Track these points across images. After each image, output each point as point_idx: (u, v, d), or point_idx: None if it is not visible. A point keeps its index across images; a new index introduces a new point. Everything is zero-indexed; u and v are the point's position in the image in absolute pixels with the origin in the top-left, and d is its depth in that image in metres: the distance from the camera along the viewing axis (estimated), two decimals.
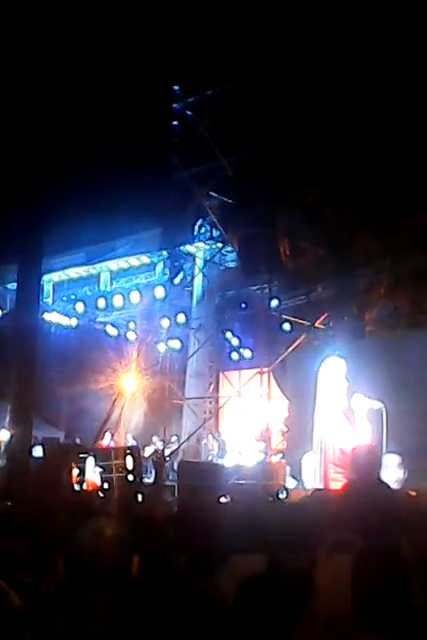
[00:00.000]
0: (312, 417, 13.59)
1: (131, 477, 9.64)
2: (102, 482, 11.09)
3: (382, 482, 5.29)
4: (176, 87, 15.14)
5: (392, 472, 11.69)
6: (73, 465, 10.63)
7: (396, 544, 2.74)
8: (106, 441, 16.80)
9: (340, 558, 2.62)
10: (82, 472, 11.29)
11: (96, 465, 11.63)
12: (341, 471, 13.22)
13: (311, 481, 13.17)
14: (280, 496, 11.04)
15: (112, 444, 16.59)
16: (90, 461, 11.74)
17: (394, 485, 11.30)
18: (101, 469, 11.39)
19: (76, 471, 10.98)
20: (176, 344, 17.07)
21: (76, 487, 8.73)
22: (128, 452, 10.93)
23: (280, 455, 14.64)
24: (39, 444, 13.48)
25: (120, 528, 2.43)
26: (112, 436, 16.86)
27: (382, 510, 4.50)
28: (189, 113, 15.14)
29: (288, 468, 13.77)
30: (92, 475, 11.60)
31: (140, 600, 2.48)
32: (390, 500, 4.87)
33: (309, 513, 4.85)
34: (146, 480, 15.53)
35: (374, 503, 4.62)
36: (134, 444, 16.79)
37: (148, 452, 16.77)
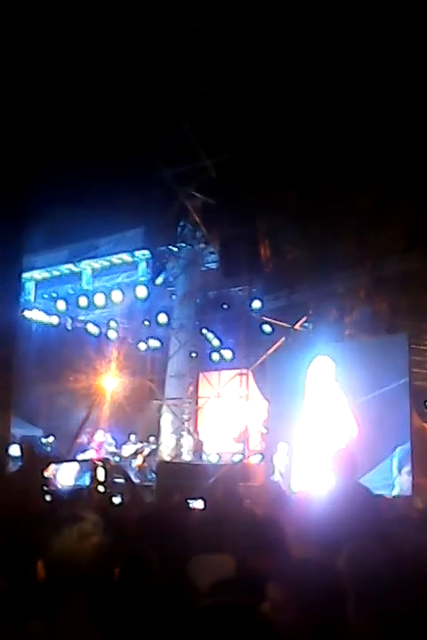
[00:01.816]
0: (292, 417, 13.71)
1: (101, 489, 9.69)
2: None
3: (361, 486, 5.38)
4: (161, 87, 15.16)
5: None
6: (44, 472, 10.56)
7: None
8: (84, 440, 16.80)
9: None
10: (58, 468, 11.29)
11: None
12: (313, 468, 13.39)
13: (287, 480, 13.32)
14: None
15: (90, 442, 16.61)
16: (72, 465, 11.74)
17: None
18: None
19: (51, 466, 10.95)
20: (156, 344, 17.11)
21: (48, 497, 8.71)
22: (99, 463, 10.97)
23: (259, 456, 14.71)
24: (17, 443, 13.43)
25: (96, 530, 2.46)
26: (91, 434, 16.85)
27: (360, 514, 4.57)
28: (173, 113, 15.16)
29: (266, 469, 13.88)
30: (70, 476, 11.61)
31: (115, 599, 2.52)
32: (368, 504, 4.94)
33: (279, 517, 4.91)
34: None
35: (351, 507, 4.69)
36: (113, 443, 16.81)
37: (126, 451, 16.79)
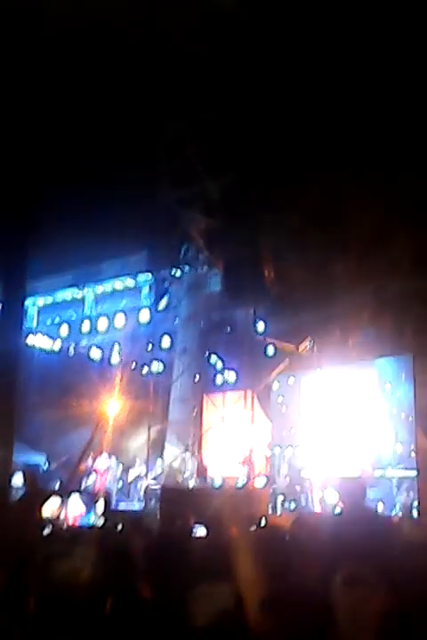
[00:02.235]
0: (295, 439, 13.68)
1: (101, 522, 9.64)
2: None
3: (368, 509, 5.31)
4: (163, 111, 15.23)
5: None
6: (43, 504, 10.44)
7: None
8: (88, 465, 16.67)
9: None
10: (64, 505, 11.15)
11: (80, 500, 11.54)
12: (313, 490, 13.32)
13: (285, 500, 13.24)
14: (262, 523, 10.97)
15: (95, 467, 16.49)
16: (75, 497, 11.61)
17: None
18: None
19: (57, 503, 10.83)
20: (160, 367, 17.05)
21: (47, 530, 8.60)
22: (101, 496, 10.92)
23: (264, 479, 14.58)
24: (20, 471, 13.33)
25: (87, 565, 2.40)
26: (94, 459, 16.73)
27: (368, 537, 4.49)
28: (175, 137, 15.21)
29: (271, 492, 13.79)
30: (76, 510, 11.47)
31: (106, 633, 2.45)
32: (376, 527, 4.85)
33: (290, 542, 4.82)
34: (129, 505, 15.44)
35: (360, 530, 4.61)
36: (119, 468, 16.69)
37: (132, 475, 16.66)
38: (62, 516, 10.45)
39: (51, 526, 7.75)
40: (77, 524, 11.00)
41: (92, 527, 9.26)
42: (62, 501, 10.37)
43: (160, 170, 15.29)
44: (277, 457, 14.21)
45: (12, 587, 3.19)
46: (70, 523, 11.05)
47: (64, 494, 10.88)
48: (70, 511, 11.29)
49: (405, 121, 12.53)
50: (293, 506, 13.37)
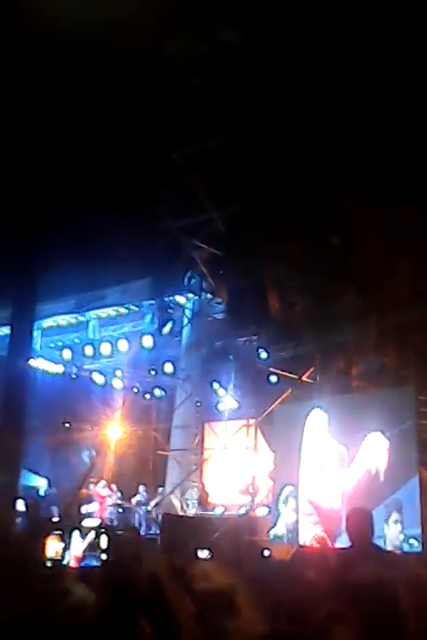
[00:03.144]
0: (297, 470, 13.61)
1: (104, 557, 9.58)
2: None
3: (375, 546, 5.28)
4: (168, 140, 15.39)
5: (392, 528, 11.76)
6: (46, 540, 10.35)
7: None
8: (89, 490, 16.62)
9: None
10: (67, 546, 11.07)
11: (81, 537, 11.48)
12: (315, 522, 13.24)
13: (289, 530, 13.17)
14: (265, 554, 10.91)
15: (96, 492, 16.43)
16: (76, 535, 11.54)
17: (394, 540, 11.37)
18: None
19: (60, 545, 10.76)
20: (161, 393, 17.05)
21: (49, 563, 8.51)
22: (103, 531, 10.84)
23: (266, 509, 14.51)
24: (22, 498, 13.29)
25: (86, 603, 2.40)
26: (95, 485, 16.67)
27: (376, 576, 4.48)
28: (180, 166, 15.36)
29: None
30: (78, 549, 11.41)
31: None
32: (384, 564, 4.83)
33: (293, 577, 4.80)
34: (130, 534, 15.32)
35: (368, 568, 4.59)
36: (119, 494, 16.62)
37: (133, 502, 16.60)
38: (66, 557, 10.39)
39: (53, 565, 7.72)
40: (79, 563, 10.94)
41: (93, 568, 9.20)
42: (64, 539, 10.31)
43: (165, 198, 15.42)
44: (278, 487, 14.14)
45: (13, 622, 3.15)
46: (72, 563, 10.99)
47: (65, 530, 10.80)
48: (72, 550, 11.22)
49: (407, 152, 12.66)
50: (294, 537, 13.28)
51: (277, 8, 11.74)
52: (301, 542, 13.02)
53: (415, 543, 11.87)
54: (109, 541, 9.00)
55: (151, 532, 14.86)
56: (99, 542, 10.25)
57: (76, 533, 11.55)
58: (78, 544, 11.48)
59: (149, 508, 16.00)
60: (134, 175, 15.12)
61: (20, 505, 12.70)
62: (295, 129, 13.42)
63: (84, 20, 10.60)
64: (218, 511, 15.36)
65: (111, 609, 3.03)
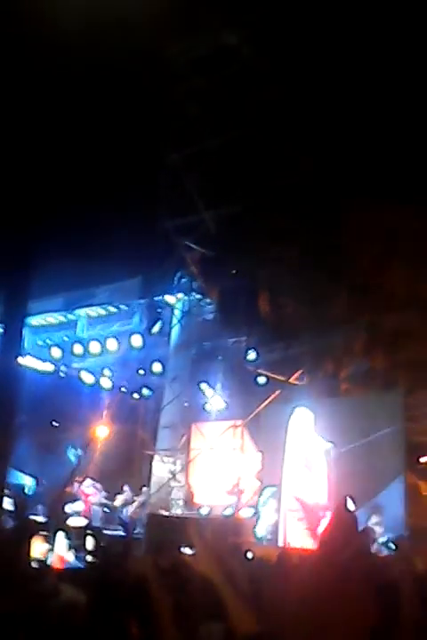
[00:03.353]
0: (282, 468, 13.64)
1: (90, 559, 9.53)
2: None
3: (361, 548, 5.26)
4: (162, 140, 15.37)
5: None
6: (32, 540, 10.24)
7: None
8: (75, 489, 16.54)
9: None
10: (52, 547, 10.99)
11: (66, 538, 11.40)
12: (299, 519, 13.26)
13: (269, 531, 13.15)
14: (248, 556, 10.88)
15: (81, 491, 16.36)
16: (60, 536, 11.46)
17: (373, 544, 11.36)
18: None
19: (45, 546, 10.67)
20: (150, 393, 17.00)
21: (34, 564, 8.44)
22: (89, 532, 10.76)
23: (252, 510, 14.50)
24: (10, 497, 13.21)
25: (76, 604, 2.38)
26: (81, 483, 16.60)
27: (361, 579, 4.46)
28: (173, 166, 15.34)
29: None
30: (63, 550, 11.33)
31: None
32: (368, 566, 4.82)
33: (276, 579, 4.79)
34: (115, 532, 15.29)
35: (351, 571, 4.58)
36: (104, 494, 16.56)
37: (118, 501, 16.54)
38: (50, 558, 10.32)
39: (38, 566, 7.66)
40: (64, 565, 10.87)
41: (78, 569, 9.14)
42: (49, 541, 10.25)
43: (157, 197, 15.39)
44: (265, 489, 14.13)
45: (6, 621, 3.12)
46: (57, 564, 10.92)
47: (50, 532, 10.73)
48: (56, 550, 11.16)
49: (403, 155, 12.69)
50: (274, 538, 13.28)
51: (279, 9, 11.76)
52: (286, 540, 13.03)
53: (394, 547, 11.90)
54: (96, 543, 8.95)
55: (136, 532, 14.80)
56: (85, 543, 10.21)
57: (60, 534, 11.49)
58: (63, 545, 11.41)
59: (135, 507, 15.94)
60: (128, 175, 15.10)
61: (7, 503, 12.62)
62: (291, 130, 13.44)
63: (84, 20, 10.58)
64: (203, 511, 15.34)
65: (101, 609, 3.01)
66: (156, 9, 11.05)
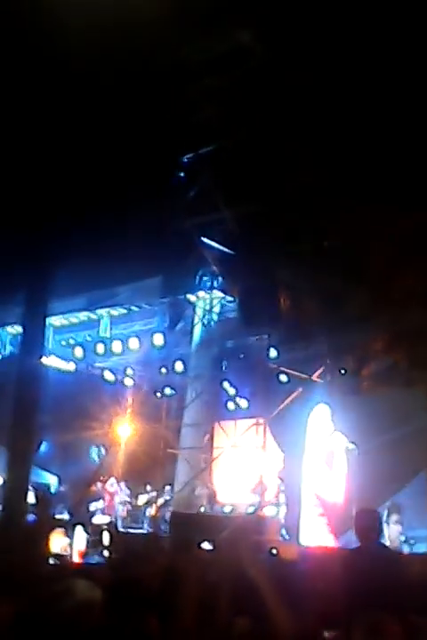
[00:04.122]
0: (302, 465, 13.66)
1: (106, 553, 9.63)
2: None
3: (382, 545, 5.29)
4: (182, 139, 15.40)
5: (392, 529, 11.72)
6: (51, 535, 10.36)
7: None
8: (98, 487, 16.67)
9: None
10: (71, 541, 11.09)
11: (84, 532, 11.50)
12: (319, 514, 13.25)
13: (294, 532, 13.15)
14: (273, 552, 10.92)
15: (105, 490, 16.49)
16: (79, 531, 11.56)
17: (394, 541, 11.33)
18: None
19: (65, 541, 10.79)
20: (172, 392, 17.08)
21: (52, 560, 8.51)
22: (104, 528, 10.85)
23: (275, 509, 14.51)
24: (32, 490, 13.34)
25: (92, 604, 2.41)
26: (104, 482, 16.73)
27: (384, 576, 4.48)
28: (194, 165, 15.37)
29: (282, 521, 13.72)
30: (82, 545, 11.42)
31: None
32: (391, 565, 4.83)
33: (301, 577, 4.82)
34: (138, 531, 15.41)
35: (375, 569, 4.60)
36: (128, 492, 16.68)
37: (141, 500, 16.64)
38: (68, 552, 10.44)
39: (57, 561, 7.75)
40: (83, 558, 10.97)
41: (97, 564, 9.23)
42: (69, 535, 10.36)
43: (178, 196, 15.44)
44: (287, 487, 14.14)
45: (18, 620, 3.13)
46: (76, 558, 11.02)
47: (69, 527, 10.85)
48: (76, 545, 11.26)
49: (420, 156, 12.61)
50: (302, 537, 13.29)
51: (293, 7, 11.72)
52: (306, 537, 13.04)
53: (416, 544, 11.83)
54: (111, 538, 9.04)
55: (161, 530, 14.88)
56: (101, 539, 10.33)
57: (79, 528, 11.60)
58: (82, 540, 11.51)
59: (158, 505, 16.03)
60: (148, 174, 15.15)
61: (31, 497, 12.75)
62: (311, 130, 13.40)
63: (98, 20, 10.64)
64: (227, 510, 15.37)
65: (119, 607, 3.03)
66: (171, 9, 11.06)
